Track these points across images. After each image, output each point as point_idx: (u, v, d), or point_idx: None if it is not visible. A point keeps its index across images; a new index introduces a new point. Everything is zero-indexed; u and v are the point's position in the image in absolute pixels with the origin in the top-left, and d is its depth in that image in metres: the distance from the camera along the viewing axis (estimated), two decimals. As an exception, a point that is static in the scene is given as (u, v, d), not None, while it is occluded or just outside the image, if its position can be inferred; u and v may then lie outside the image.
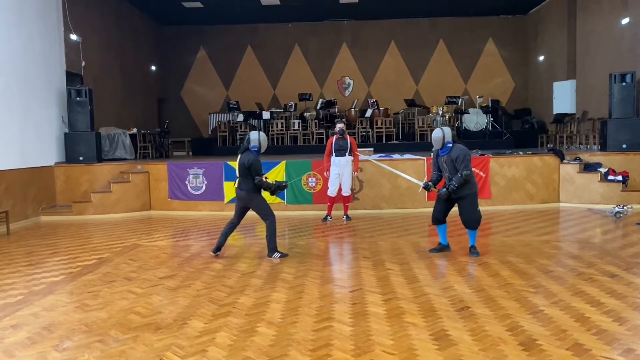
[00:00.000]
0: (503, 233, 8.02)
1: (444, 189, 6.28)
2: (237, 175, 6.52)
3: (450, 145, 6.27)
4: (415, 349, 3.67)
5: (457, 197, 6.28)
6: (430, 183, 6.57)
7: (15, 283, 5.70)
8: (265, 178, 6.57)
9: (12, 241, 8.22)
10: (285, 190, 6.93)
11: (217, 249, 6.74)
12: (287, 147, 14.72)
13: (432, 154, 6.70)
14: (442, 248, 6.68)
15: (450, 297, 4.81)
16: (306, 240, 7.88)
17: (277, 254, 6.53)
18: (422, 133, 14.61)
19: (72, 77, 11.94)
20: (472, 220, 6.31)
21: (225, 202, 10.42)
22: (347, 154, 8.99)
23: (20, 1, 9.91)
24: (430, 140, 6.56)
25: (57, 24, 11.23)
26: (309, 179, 10.23)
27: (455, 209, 6.50)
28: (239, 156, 6.47)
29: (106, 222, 9.93)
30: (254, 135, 6.53)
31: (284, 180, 9.82)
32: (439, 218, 6.53)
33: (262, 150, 6.53)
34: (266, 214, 6.50)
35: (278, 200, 10.16)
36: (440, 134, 6.30)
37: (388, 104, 16.57)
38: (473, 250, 6.43)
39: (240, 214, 6.65)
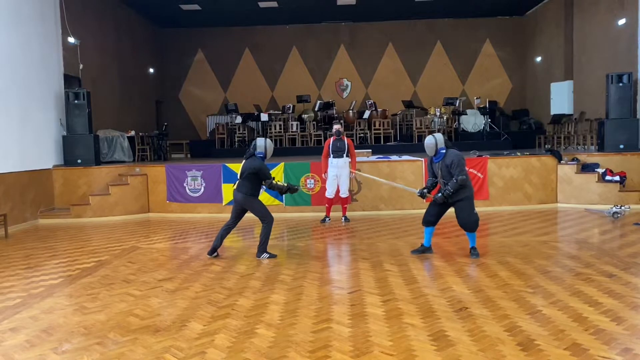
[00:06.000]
0: (501, 234, 8.04)
1: (440, 194, 6.28)
2: (238, 178, 6.57)
3: (444, 151, 6.27)
4: (413, 349, 3.68)
5: (453, 201, 6.29)
6: (425, 190, 6.58)
7: (14, 286, 5.70)
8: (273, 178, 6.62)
9: (11, 244, 8.21)
10: (294, 193, 6.98)
11: (213, 250, 6.76)
12: (285, 149, 14.71)
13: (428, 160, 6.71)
14: (424, 250, 6.66)
15: (448, 297, 4.82)
16: (305, 241, 7.89)
17: (265, 255, 6.60)
18: (420, 134, 14.64)
19: (70, 79, 11.94)
20: (469, 222, 6.30)
21: (223, 204, 10.41)
22: (344, 155, 9.01)
23: (18, 4, 9.91)
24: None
25: (54, 27, 11.23)
26: (307, 181, 10.24)
27: (449, 213, 6.51)
28: (244, 161, 6.53)
29: (105, 224, 9.92)
30: (260, 141, 6.59)
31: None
32: (430, 221, 6.51)
33: (268, 156, 6.62)
34: (264, 216, 6.55)
35: (277, 202, 10.19)
36: (433, 141, 6.29)
37: (386, 105, 16.57)
38: (473, 252, 6.42)
39: (237, 216, 6.68)
